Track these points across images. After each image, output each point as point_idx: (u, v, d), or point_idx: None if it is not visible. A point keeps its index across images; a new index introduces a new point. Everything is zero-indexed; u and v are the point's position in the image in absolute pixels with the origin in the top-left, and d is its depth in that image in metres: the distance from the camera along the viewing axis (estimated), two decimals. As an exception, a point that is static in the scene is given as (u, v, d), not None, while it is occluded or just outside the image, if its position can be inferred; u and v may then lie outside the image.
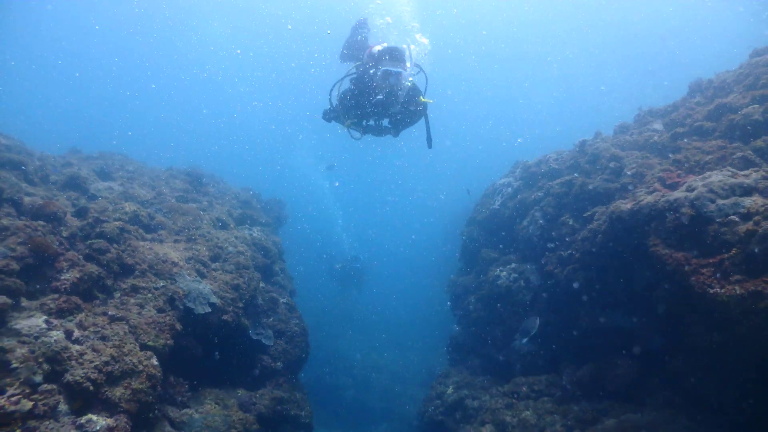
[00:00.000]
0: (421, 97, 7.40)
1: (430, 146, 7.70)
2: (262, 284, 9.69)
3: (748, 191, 6.00)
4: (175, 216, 9.33)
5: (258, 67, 42.99)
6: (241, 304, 8.14)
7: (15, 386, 4.60)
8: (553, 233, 9.68)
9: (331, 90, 7.77)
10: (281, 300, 10.19)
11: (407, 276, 35.00)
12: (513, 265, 10.57)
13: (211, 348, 7.79)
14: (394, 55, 6.94)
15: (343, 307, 26.05)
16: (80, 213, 7.38)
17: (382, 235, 47.40)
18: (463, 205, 20.60)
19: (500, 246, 11.62)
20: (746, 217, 5.66)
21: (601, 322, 8.30)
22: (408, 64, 7.18)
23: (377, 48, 7.48)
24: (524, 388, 9.23)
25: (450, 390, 10.82)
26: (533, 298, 9.88)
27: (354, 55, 8.80)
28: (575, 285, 8.57)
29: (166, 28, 35.08)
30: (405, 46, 7.40)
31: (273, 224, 14.16)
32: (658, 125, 10.16)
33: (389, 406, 19.37)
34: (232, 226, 10.56)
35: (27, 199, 7.45)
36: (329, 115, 7.95)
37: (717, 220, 5.84)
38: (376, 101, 7.11)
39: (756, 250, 5.28)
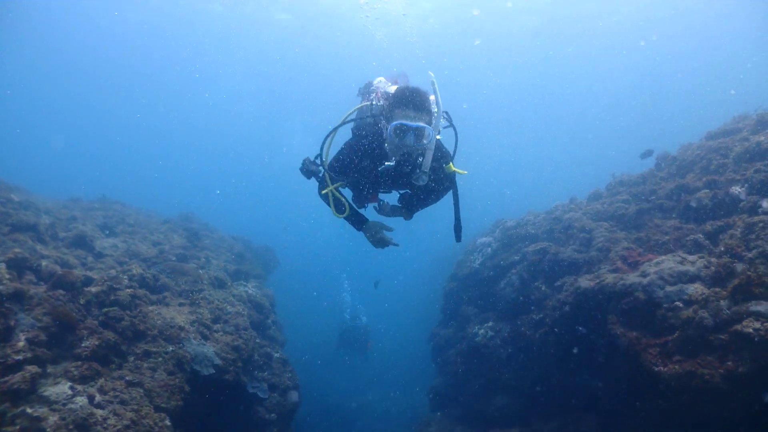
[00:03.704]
0: (451, 165, 4.94)
1: (458, 238, 5.12)
2: (257, 340, 10.39)
3: (692, 279, 6.86)
4: (177, 277, 10.05)
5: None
6: (240, 364, 8.84)
7: (51, 454, 5.29)
8: (528, 297, 10.49)
9: (325, 140, 5.16)
10: (275, 355, 10.90)
11: (392, 314, 35.45)
12: (490, 323, 11.33)
13: (212, 402, 8.46)
14: (413, 101, 4.45)
15: (328, 348, 26.26)
16: (93, 280, 8.08)
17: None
18: (447, 250, 21.40)
19: (479, 303, 12.40)
20: (688, 303, 6.51)
21: (568, 382, 9.07)
22: (433, 114, 4.63)
23: (391, 88, 5.19)
24: (498, 440, 9.98)
25: (430, 438, 11.54)
26: (509, 356, 10.64)
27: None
28: (546, 347, 9.37)
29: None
30: (426, 88, 4.76)
31: (264, 274, 14.92)
32: (624, 197, 11.08)
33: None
34: (229, 283, 11.30)
35: (44, 264, 8.15)
36: (311, 170, 5.28)
37: (664, 305, 6.69)
38: (383, 169, 4.63)
39: (693, 335, 6.13)
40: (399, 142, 4.42)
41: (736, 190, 8.36)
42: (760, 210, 7.65)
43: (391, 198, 5.67)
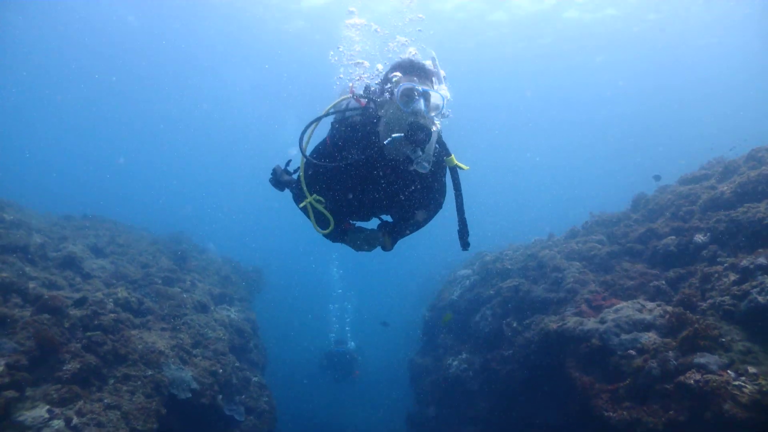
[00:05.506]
0: (453, 158, 4.26)
1: (465, 246, 4.45)
2: (237, 364, 10.71)
3: (648, 327, 7.20)
4: (161, 300, 10.38)
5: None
6: (217, 388, 9.16)
7: (22, 479, 5.59)
8: (499, 332, 10.81)
9: (302, 134, 4.13)
10: (253, 379, 11.23)
11: (377, 335, 35.59)
12: (464, 355, 11.67)
13: (189, 424, 8.75)
14: (418, 67, 3.98)
15: (312, 367, 26.27)
16: (79, 302, 8.38)
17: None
18: (435, 274, 21.70)
19: (456, 334, 12.74)
20: (641, 351, 6.85)
21: (532, 416, 9.38)
22: (438, 87, 4.10)
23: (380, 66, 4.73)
24: (465, 470, 10.29)
25: (403, 463, 11.88)
26: (479, 388, 10.95)
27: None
28: (512, 383, 9.70)
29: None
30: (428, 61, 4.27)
31: (249, 297, 15.26)
32: (599, 236, 11.46)
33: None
34: (212, 308, 11.64)
35: (31, 285, 8.47)
36: (283, 179, 4.48)
37: (618, 352, 7.03)
38: (390, 142, 3.76)
39: (642, 383, 6.47)
40: (408, 108, 3.78)
41: (699, 238, 8.72)
42: (718, 259, 8.03)
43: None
